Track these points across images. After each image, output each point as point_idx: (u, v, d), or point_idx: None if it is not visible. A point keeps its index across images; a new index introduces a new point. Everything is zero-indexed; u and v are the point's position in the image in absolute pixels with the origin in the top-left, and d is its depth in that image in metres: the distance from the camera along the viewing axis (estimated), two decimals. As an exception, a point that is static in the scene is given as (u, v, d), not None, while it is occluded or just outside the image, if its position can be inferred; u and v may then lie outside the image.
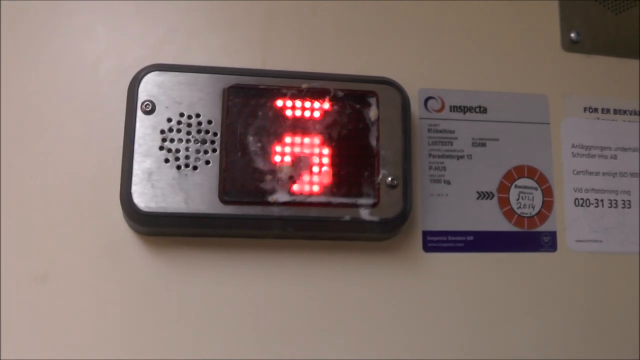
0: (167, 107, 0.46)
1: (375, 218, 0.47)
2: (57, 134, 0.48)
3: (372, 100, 0.48)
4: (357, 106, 0.48)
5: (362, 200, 0.47)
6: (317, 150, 0.47)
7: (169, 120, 0.46)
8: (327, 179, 0.47)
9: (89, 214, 0.47)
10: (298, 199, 0.46)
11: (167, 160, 0.46)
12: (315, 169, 0.47)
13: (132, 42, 0.51)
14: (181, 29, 0.52)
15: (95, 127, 0.49)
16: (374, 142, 0.48)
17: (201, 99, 0.47)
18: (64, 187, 0.48)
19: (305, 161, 0.47)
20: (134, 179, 0.45)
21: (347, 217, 0.47)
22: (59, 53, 0.50)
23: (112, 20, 0.51)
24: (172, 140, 0.46)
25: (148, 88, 0.47)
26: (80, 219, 0.47)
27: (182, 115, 0.47)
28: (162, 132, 0.46)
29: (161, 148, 0.46)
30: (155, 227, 0.46)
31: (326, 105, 0.48)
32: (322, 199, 0.47)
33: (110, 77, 0.50)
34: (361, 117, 0.48)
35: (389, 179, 0.48)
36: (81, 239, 0.47)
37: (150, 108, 0.46)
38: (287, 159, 0.47)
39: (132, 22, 0.51)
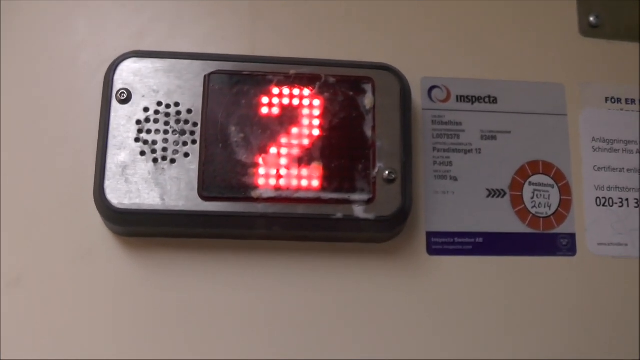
0: (143, 96, 0.44)
1: (370, 215, 0.43)
2: (33, 128, 0.46)
3: (368, 87, 0.45)
4: (351, 93, 0.45)
5: (356, 196, 0.43)
6: (305, 142, 0.44)
7: (146, 109, 0.44)
8: (317, 173, 0.43)
9: (66, 213, 0.45)
10: (284, 194, 0.43)
11: (142, 153, 0.43)
12: (304, 161, 0.43)
13: (113, 32, 0.49)
14: (164, 17, 0.49)
15: (73, 120, 0.47)
16: (369, 132, 0.44)
17: (180, 87, 0.44)
18: (40, 184, 0.45)
19: (292, 153, 0.43)
20: (107, 174, 0.42)
21: (339, 215, 0.43)
22: (37, 43, 0.48)
23: (91, 9, 0.49)
24: (148, 132, 0.43)
25: (124, 76, 0.44)
26: (56, 219, 0.45)
27: (159, 104, 0.44)
28: (138, 122, 0.43)
29: (137, 140, 0.43)
30: (129, 225, 0.43)
31: (316, 93, 0.44)
32: (311, 194, 0.43)
33: (90, 68, 0.48)
34: (355, 105, 0.44)
35: (386, 172, 0.44)
36: (57, 240, 0.45)
37: (125, 97, 0.44)
38: (273, 150, 0.43)
39: (113, 10, 0.49)
